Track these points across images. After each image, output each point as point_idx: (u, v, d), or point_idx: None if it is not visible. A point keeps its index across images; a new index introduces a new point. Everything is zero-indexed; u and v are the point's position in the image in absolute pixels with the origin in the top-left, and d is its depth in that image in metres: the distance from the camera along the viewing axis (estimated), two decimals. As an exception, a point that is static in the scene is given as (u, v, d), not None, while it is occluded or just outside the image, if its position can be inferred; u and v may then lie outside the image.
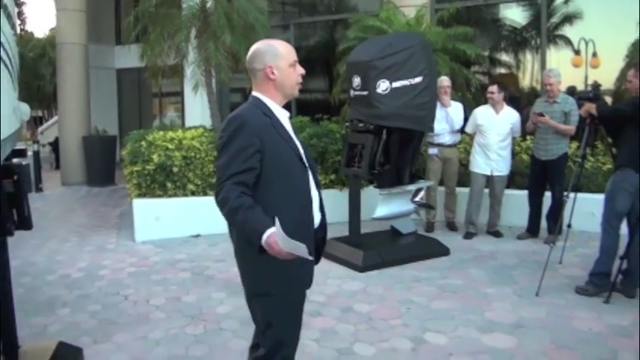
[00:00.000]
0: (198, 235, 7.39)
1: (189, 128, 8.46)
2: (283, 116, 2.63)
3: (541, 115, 6.56)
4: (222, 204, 2.41)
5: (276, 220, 2.20)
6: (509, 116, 7.14)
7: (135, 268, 6.15)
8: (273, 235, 2.22)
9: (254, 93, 2.63)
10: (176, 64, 9.74)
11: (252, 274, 2.61)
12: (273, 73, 2.56)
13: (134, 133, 7.93)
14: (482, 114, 7.22)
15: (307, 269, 2.63)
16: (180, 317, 4.71)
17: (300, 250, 2.22)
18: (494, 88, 7.18)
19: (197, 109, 11.11)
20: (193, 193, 7.42)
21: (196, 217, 7.35)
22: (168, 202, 7.33)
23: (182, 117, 13.44)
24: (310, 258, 2.32)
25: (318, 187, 2.70)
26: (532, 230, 7.07)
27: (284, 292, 2.58)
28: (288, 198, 2.51)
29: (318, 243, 2.71)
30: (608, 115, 5.25)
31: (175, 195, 7.35)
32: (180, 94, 13.25)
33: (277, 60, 2.57)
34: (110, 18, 15.85)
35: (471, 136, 7.49)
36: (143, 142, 7.42)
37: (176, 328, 4.49)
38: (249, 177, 2.41)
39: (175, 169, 7.24)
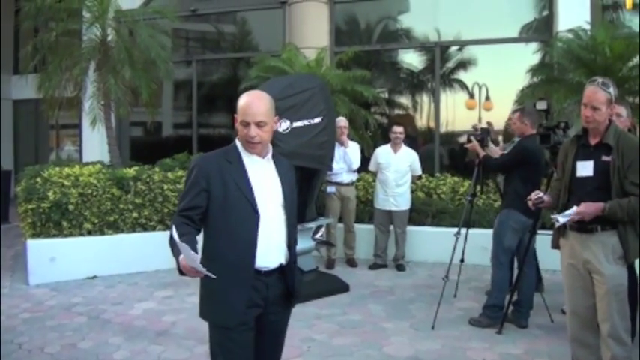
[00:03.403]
0: (94, 277, 7.10)
1: (87, 164, 8.22)
2: (252, 163, 2.72)
3: None
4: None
5: (174, 232, 2.41)
6: (407, 155, 7.56)
7: (29, 313, 5.84)
8: (183, 259, 2.41)
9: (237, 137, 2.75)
10: (74, 97, 9.50)
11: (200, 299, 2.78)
12: (236, 122, 2.70)
13: (29, 169, 7.61)
14: (383, 153, 7.63)
15: (236, 300, 2.64)
16: (75, 365, 4.52)
17: (191, 258, 2.37)
18: (401, 129, 7.58)
19: (95, 143, 10.85)
20: (90, 232, 7.18)
21: (93, 258, 7.09)
22: (64, 242, 7.04)
23: (80, 151, 13.01)
24: (203, 270, 2.39)
25: (290, 230, 2.80)
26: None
27: (216, 320, 2.71)
28: (229, 238, 2.63)
29: (288, 286, 2.81)
30: (494, 169, 5.64)
31: (71, 234, 7.08)
32: (78, 126, 12.85)
33: (238, 112, 2.67)
34: (8, 45, 15.18)
35: (374, 175, 7.77)
36: (38, 179, 7.11)
37: (70, 376, 4.30)
38: (194, 213, 2.64)
39: (71, 207, 6.99)
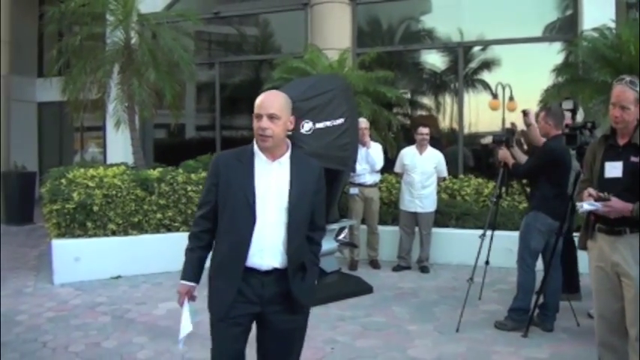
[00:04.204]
0: (119, 277, 7.16)
1: (111, 165, 8.29)
2: (262, 165, 2.73)
3: None
4: None
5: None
6: (433, 157, 7.52)
7: (54, 312, 5.89)
8: (182, 287, 2.83)
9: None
10: (98, 99, 9.60)
11: None
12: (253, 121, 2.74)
13: (54, 170, 7.67)
14: (408, 154, 7.59)
15: (223, 295, 2.73)
16: (99, 364, 4.54)
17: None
18: (427, 130, 7.55)
19: (119, 145, 10.93)
20: (114, 233, 7.24)
21: (117, 258, 7.16)
22: (88, 243, 7.11)
23: (104, 153, 13.15)
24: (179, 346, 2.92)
25: (294, 235, 2.73)
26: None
27: (209, 310, 2.82)
28: (226, 234, 2.73)
29: (288, 289, 2.73)
30: (523, 176, 5.54)
31: (95, 235, 7.14)
32: (102, 128, 12.98)
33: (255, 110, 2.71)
34: (33, 49, 15.40)
35: (399, 176, 7.73)
36: (63, 180, 7.18)
37: (95, 376, 4.33)
38: (207, 209, 2.78)
39: (96, 208, 7.05)
